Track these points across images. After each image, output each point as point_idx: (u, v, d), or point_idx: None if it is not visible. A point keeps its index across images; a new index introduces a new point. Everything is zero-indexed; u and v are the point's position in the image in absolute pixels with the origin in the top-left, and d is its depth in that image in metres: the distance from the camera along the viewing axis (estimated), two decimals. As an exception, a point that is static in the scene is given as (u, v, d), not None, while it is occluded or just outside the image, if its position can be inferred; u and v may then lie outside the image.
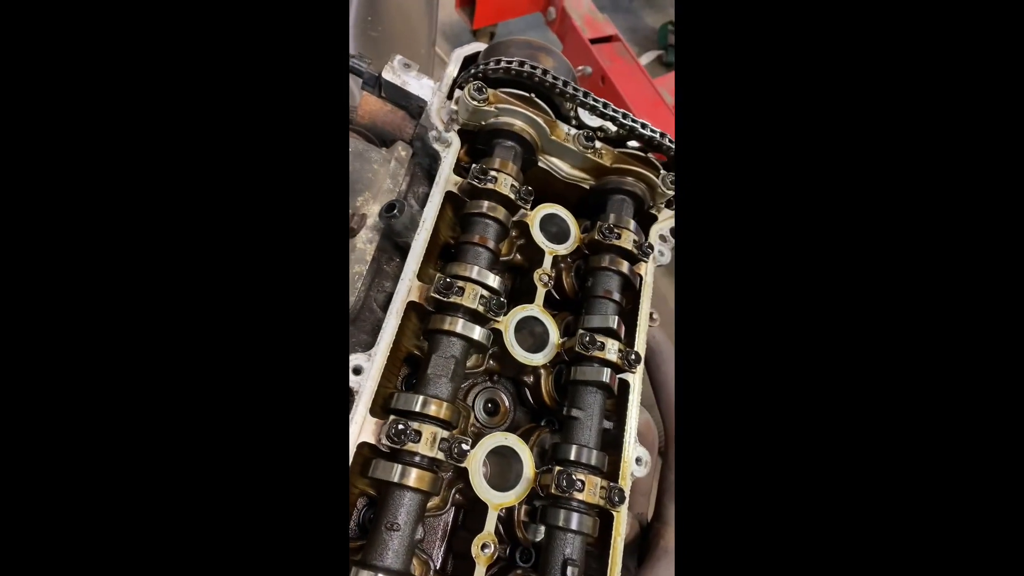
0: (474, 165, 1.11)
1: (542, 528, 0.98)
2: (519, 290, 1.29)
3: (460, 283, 0.99)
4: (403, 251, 1.07)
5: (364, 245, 1.11)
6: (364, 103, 1.26)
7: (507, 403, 1.19)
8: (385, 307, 1.00)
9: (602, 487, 0.96)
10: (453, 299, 0.98)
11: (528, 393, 1.17)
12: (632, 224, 1.22)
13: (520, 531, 1.01)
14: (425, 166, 1.27)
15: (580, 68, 3.89)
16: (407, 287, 1.01)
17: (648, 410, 1.42)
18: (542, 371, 1.14)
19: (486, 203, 1.10)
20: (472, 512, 1.02)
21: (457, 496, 1.01)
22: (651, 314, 1.35)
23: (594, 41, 3.82)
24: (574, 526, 0.93)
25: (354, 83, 1.24)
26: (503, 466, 1.04)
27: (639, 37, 5.34)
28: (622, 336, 1.13)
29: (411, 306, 1.01)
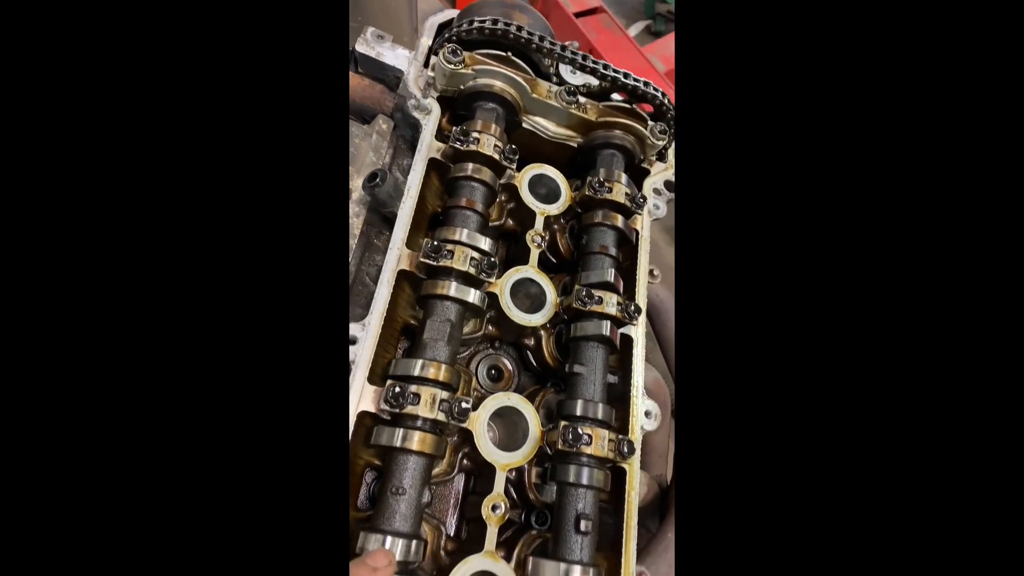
0: (455, 128, 1.09)
1: (554, 488, 0.97)
2: (514, 256, 1.27)
3: (449, 246, 0.97)
4: (391, 224, 1.05)
5: (351, 219, 1.09)
6: (341, 80, 1.24)
7: (510, 368, 1.18)
8: (377, 280, 0.99)
9: (610, 440, 0.94)
10: (443, 263, 0.96)
11: (531, 356, 1.15)
12: (624, 177, 1.19)
13: (533, 493, 1.00)
14: (408, 138, 1.25)
15: (568, 43, 3.84)
16: (396, 255, 0.99)
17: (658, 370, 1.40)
18: (542, 332, 1.12)
19: (470, 165, 1.08)
20: (481, 477, 1.01)
21: (465, 461, 1.00)
22: (651, 271, 1.32)
23: (579, 15, 3.75)
24: (584, 480, 0.91)
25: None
26: (509, 428, 1.03)
27: (626, 9, 5.24)
28: (621, 290, 1.11)
29: (402, 275, 1.00)
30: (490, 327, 1.12)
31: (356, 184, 1.12)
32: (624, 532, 0.94)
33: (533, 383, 1.17)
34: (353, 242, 1.08)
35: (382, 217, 1.14)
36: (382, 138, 1.21)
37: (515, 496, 1.04)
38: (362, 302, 1.07)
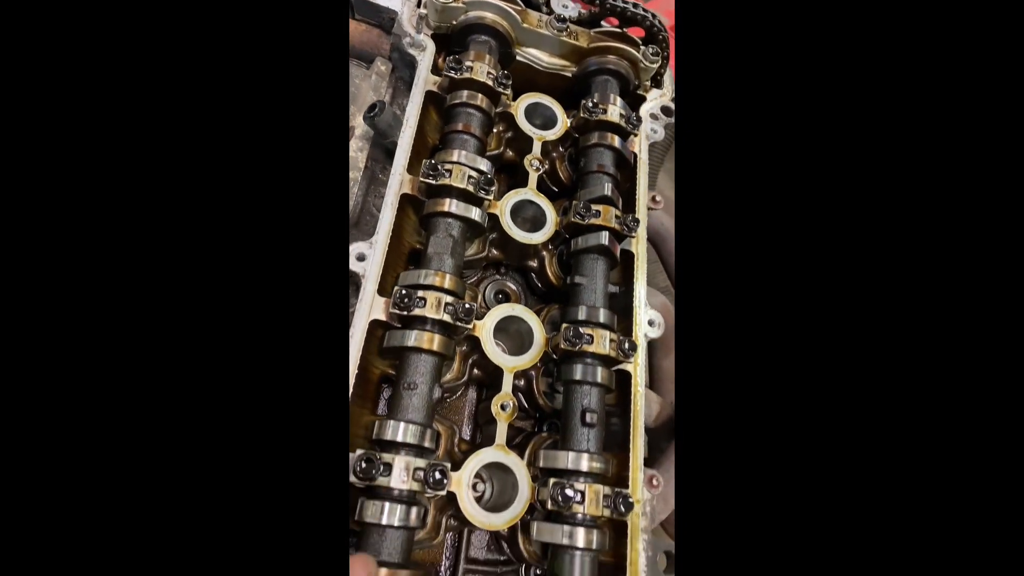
0: (448, 58, 1.13)
1: (561, 394, 1.01)
2: (514, 187, 1.30)
3: (447, 166, 1.02)
4: (394, 156, 1.10)
5: (356, 153, 1.14)
6: (339, 26, 1.29)
7: (516, 292, 1.22)
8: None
9: (612, 340, 0.97)
10: (442, 181, 1.00)
11: (535, 279, 1.19)
12: (618, 100, 1.21)
13: (542, 399, 1.04)
14: (406, 79, 1.29)
15: None
16: (399, 180, 1.04)
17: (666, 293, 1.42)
18: (545, 254, 1.16)
19: (465, 92, 1.12)
20: (492, 386, 1.05)
21: (475, 371, 1.05)
22: (653, 197, 1.34)
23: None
24: (588, 377, 0.95)
25: (326, 8, 1.27)
26: (515, 340, 1.07)
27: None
28: (619, 205, 1.13)
29: (405, 199, 1.05)
30: (494, 250, 1.16)
31: (358, 122, 1.17)
32: (631, 431, 0.98)
33: (539, 304, 1.21)
34: (358, 175, 1.13)
35: (385, 151, 1.18)
36: (381, 79, 1.25)
37: (526, 405, 1.08)
38: (369, 230, 1.12)
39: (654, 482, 1.00)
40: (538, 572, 0.99)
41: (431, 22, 1.21)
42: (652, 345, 1.45)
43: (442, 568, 0.98)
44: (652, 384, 1.43)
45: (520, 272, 1.23)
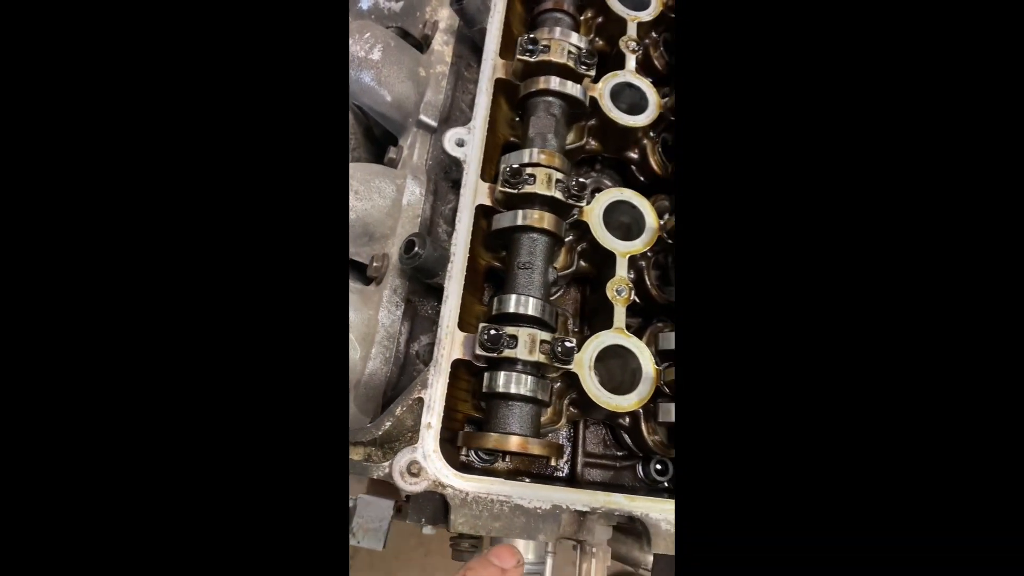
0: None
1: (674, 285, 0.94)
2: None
3: (545, 41, 0.95)
4: (480, 52, 1.04)
5: (441, 47, 1.09)
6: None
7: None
8: (473, 105, 0.98)
9: (735, 216, 0.89)
10: (540, 58, 0.94)
11: (636, 171, 1.11)
12: (719, -30, 1.09)
13: (655, 290, 0.97)
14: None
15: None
16: (491, 64, 0.98)
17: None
18: (647, 141, 1.08)
19: (554, -30, 1.04)
20: (598, 278, 0.99)
21: (582, 262, 0.99)
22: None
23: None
24: (711, 255, 0.88)
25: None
26: (622, 232, 1.01)
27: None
28: (729, 80, 1.03)
29: (499, 85, 0.99)
30: (592, 141, 1.09)
31: (443, 14, 1.11)
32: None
33: (640, 199, 1.13)
34: (446, 69, 1.08)
35: (471, 45, 1.12)
36: (460, -28, 1.18)
37: (636, 299, 1.02)
38: (460, 125, 1.08)
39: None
40: (658, 466, 0.95)
41: (510, -97, 1.12)
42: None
43: (560, 461, 0.95)
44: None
45: (617, 168, 1.16)
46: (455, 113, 1.09)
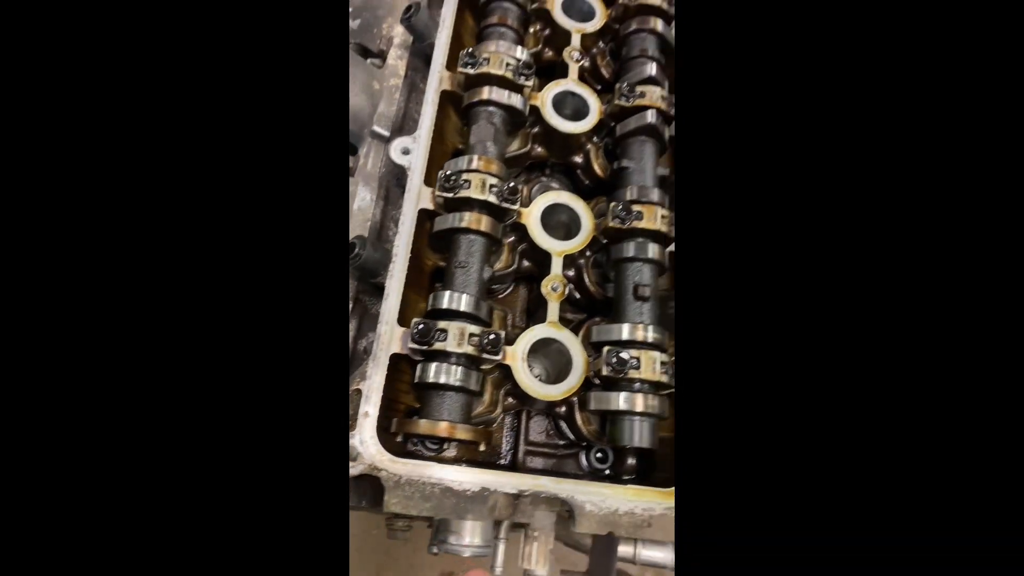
0: (480, -48, 1.11)
1: (613, 281, 0.99)
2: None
3: (485, 55, 1.01)
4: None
5: (395, 62, 1.16)
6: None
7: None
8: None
9: (663, 216, 0.94)
10: (480, 70, 1.00)
11: (581, 175, 1.17)
12: (659, -18, 1.15)
13: (593, 286, 1.03)
14: (440, -11, 1.28)
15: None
16: (438, 77, 1.04)
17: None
18: (590, 146, 1.13)
19: (500, -13, 1.10)
20: (542, 276, 1.05)
21: (524, 261, 1.05)
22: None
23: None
24: (639, 253, 0.93)
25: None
26: (562, 232, 1.06)
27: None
28: (665, 85, 1.09)
29: (446, 96, 1.05)
30: (537, 147, 1.14)
31: (398, 30, 1.18)
32: (688, 310, 0.95)
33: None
34: (399, 82, 1.14)
35: (424, 58, 1.19)
36: (416, -10, 1.25)
37: (577, 296, 1.08)
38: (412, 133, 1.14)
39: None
40: (598, 454, 1.00)
41: (461, -75, 1.19)
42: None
43: (502, 449, 1.01)
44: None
45: (565, 172, 1.21)
46: (407, 123, 1.15)
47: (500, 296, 1.11)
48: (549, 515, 0.90)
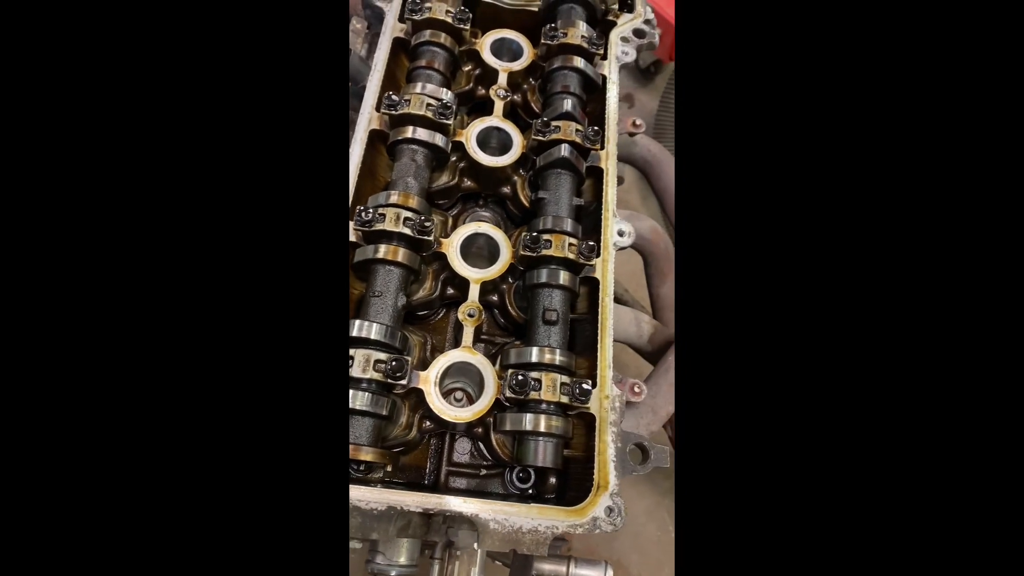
0: (409, 1, 1.19)
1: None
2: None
3: (407, 97, 1.08)
4: (369, 102, 1.18)
5: (333, 103, 1.23)
6: (318, -6, 1.39)
7: (495, 221, 1.26)
8: None
9: (571, 244, 0.99)
10: (401, 111, 1.07)
11: (510, 205, 1.23)
12: (581, 24, 1.22)
13: (515, 311, 1.07)
14: (380, 33, 1.37)
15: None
16: (367, 118, 1.11)
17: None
18: (516, 178, 1.19)
19: (426, 31, 1.18)
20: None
21: (448, 289, 1.10)
22: (634, 121, 1.34)
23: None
24: (549, 280, 0.98)
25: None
26: (487, 261, 1.11)
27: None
28: (583, 122, 1.15)
29: (375, 135, 1.12)
30: (466, 180, 1.21)
31: (335, 74, 1.26)
32: (599, 334, 0.99)
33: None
34: (337, 122, 1.22)
35: (360, 97, 1.26)
36: (356, 36, 1.34)
37: (501, 321, 1.12)
38: (350, 171, 1.21)
39: (635, 389, 1.01)
40: (520, 475, 1.03)
41: (397, -25, 1.28)
42: (648, 273, 1.45)
43: (427, 471, 1.04)
44: (653, 313, 1.43)
45: (498, 202, 1.27)
46: (345, 160, 1.22)
47: (432, 322, 1.16)
48: (471, 534, 0.94)
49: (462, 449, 1.06)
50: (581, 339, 1.05)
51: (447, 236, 1.05)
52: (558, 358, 0.92)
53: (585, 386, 0.89)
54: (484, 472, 1.04)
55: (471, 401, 1.05)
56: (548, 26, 1.20)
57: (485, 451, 1.03)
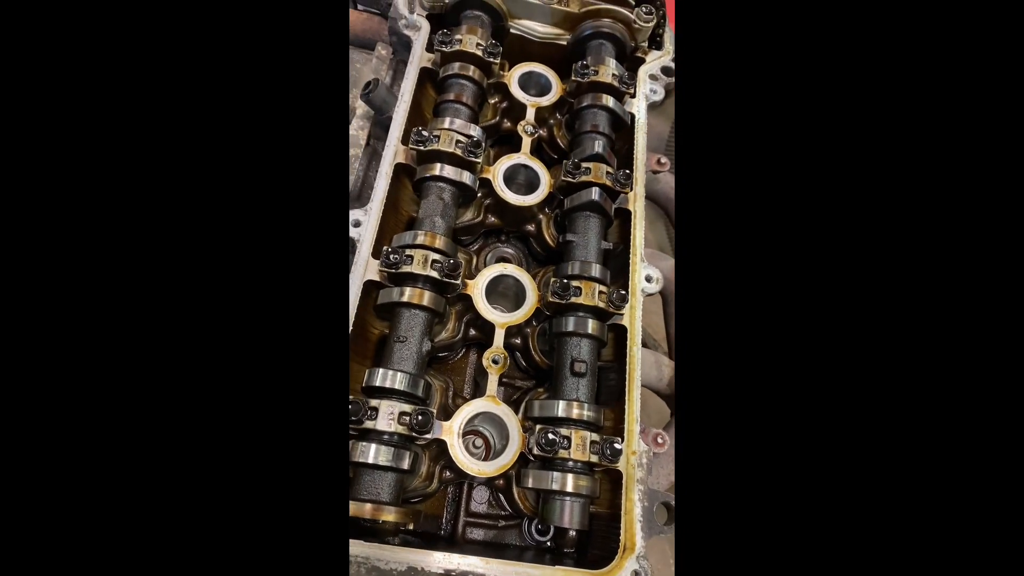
0: (439, 32, 1.17)
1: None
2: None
3: (436, 133, 1.05)
4: (393, 132, 1.15)
5: (356, 132, 1.20)
6: (343, 18, 1.37)
7: (517, 257, 1.23)
8: None
9: (602, 292, 0.97)
10: (431, 147, 1.04)
11: (534, 243, 1.20)
12: (611, 61, 1.20)
13: (538, 355, 1.05)
14: (405, 60, 1.34)
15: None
16: (393, 151, 1.09)
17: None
18: (542, 217, 1.17)
19: (455, 64, 1.15)
20: (488, 345, 1.07)
21: (471, 331, 1.07)
22: (659, 159, 1.32)
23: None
24: (577, 328, 0.95)
25: (330, 1, 1.35)
26: (512, 302, 1.09)
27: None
28: (613, 164, 1.13)
29: (400, 168, 1.09)
30: (491, 216, 1.18)
31: (360, 103, 1.23)
32: (627, 385, 0.97)
33: (539, 269, 1.22)
34: (359, 152, 1.19)
35: (385, 128, 1.23)
36: (382, 63, 1.31)
37: (524, 364, 1.09)
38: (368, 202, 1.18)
39: (659, 440, 0.99)
40: (539, 527, 1.00)
41: (425, 3, 1.26)
42: (666, 313, 1.43)
43: (443, 520, 1.01)
44: (670, 353, 1.40)
45: (520, 238, 1.25)
46: (366, 191, 1.19)
47: (450, 362, 1.13)
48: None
49: (480, 498, 1.03)
50: (605, 388, 1.03)
51: (471, 276, 1.02)
52: (587, 413, 0.89)
53: (616, 445, 0.86)
54: (503, 523, 1.01)
55: (489, 446, 1.02)
56: (580, 63, 1.18)
57: (504, 501, 1.00)
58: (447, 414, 0.99)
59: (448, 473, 0.95)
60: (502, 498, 1.00)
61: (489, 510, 1.02)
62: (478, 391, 1.10)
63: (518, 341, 1.06)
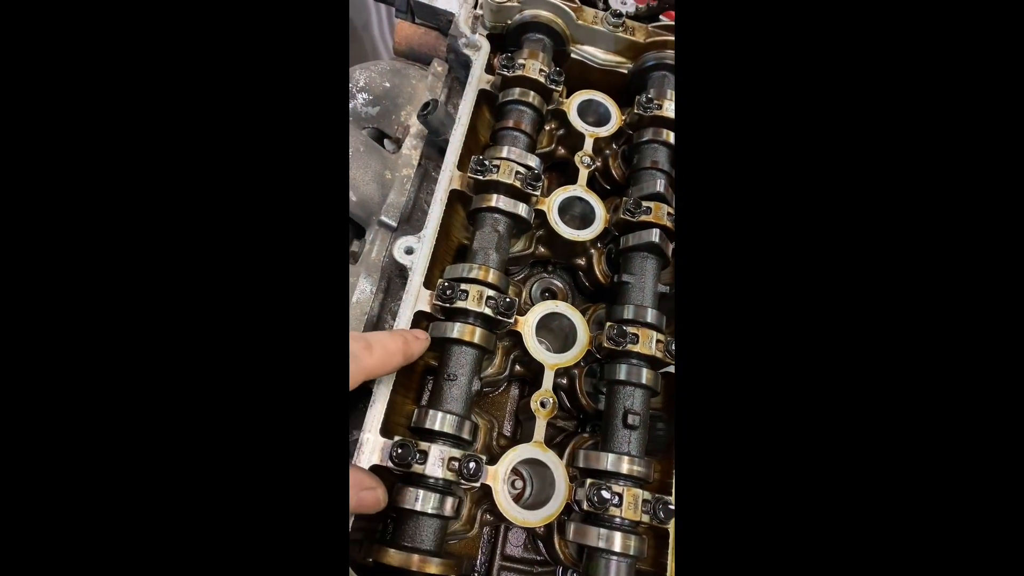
0: (500, 55, 1.14)
1: (605, 395, 0.98)
2: (566, 184, 1.29)
3: (496, 162, 1.02)
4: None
5: (409, 151, 1.18)
6: (399, 30, 1.34)
7: (563, 290, 1.20)
8: None
9: (659, 340, 0.93)
10: (489, 177, 1.01)
11: (583, 278, 1.17)
12: (674, 96, 1.17)
13: (584, 399, 1.02)
14: (462, 79, 1.31)
15: None
16: (448, 176, 1.06)
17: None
18: (593, 252, 1.14)
19: (516, 89, 1.12)
20: (533, 383, 1.04)
21: (517, 367, 1.04)
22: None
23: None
24: (631, 378, 0.92)
25: (388, 13, 1.32)
26: (559, 339, 1.06)
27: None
28: (672, 203, 1.09)
29: (455, 195, 1.06)
30: (541, 247, 1.15)
31: (413, 120, 1.20)
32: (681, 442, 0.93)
33: (585, 303, 1.19)
34: (411, 172, 1.16)
35: (438, 149, 1.21)
36: (437, 79, 1.28)
37: (568, 405, 1.06)
38: (419, 225, 1.15)
39: (702, 493, 0.95)
40: (575, 574, 0.97)
41: (486, 22, 1.23)
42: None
43: (477, 562, 0.98)
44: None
45: (568, 270, 1.22)
46: (416, 214, 1.17)
47: (491, 396, 1.11)
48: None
49: (516, 541, 1.00)
50: (653, 436, 0.99)
51: (522, 312, 0.99)
52: (638, 468, 0.86)
53: (670, 506, 0.83)
54: (539, 569, 0.98)
55: (525, 484, 0.99)
56: (644, 96, 1.15)
57: (543, 548, 0.97)
58: (490, 454, 0.97)
59: (489, 516, 0.93)
60: (541, 544, 0.97)
61: (525, 554, 0.99)
62: (519, 428, 1.08)
63: (564, 382, 1.03)
